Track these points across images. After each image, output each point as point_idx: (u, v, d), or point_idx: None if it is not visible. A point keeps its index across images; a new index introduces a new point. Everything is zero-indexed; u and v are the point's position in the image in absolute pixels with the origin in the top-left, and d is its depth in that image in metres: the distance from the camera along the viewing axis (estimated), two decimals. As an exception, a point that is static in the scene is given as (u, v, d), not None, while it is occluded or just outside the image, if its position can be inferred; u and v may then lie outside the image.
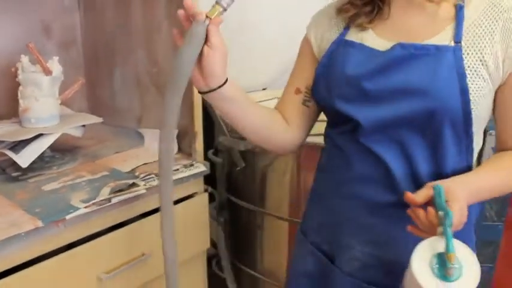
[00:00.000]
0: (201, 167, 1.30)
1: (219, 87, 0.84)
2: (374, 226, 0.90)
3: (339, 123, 0.91)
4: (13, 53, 1.34)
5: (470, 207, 0.79)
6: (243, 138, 1.43)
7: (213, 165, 1.62)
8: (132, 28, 1.44)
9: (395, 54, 0.82)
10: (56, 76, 1.28)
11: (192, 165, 1.30)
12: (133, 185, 1.16)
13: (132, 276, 1.17)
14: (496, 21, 0.80)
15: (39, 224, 0.98)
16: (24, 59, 1.26)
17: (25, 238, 0.96)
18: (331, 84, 0.89)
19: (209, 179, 1.53)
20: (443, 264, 0.69)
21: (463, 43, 0.80)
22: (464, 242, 0.74)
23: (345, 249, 0.95)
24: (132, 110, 1.52)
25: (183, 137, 1.36)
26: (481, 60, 0.79)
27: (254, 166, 1.46)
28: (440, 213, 0.71)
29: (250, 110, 0.93)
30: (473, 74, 0.79)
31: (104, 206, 1.08)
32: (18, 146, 1.17)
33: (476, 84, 0.79)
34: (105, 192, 1.11)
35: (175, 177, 1.23)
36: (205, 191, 1.36)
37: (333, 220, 0.96)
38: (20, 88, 1.26)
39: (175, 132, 1.37)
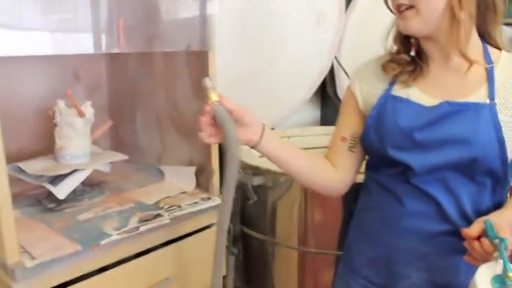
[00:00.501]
0: (218, 201, 1.43)
1: (254, 146, 1.04)
2: (429, 254, 1.04)
3: (389, 167, 1.06)
4: (48, 97, 1.49)
5: None
6: (255, 174, 1.57)
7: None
8: (154, 75, 1.60)
9: (443, 110, 0.99)
10: (88, 118, 1.43)
11: (209, 198, 1.43)
12: (158, 215, 1.28)
13: (156, 299, 1.29)
14: None
15: (78, 247, 1.11)
16: (61, 103, 1.41)
17: (67, 260, 1.09)
18: (383, 134, 1.04)
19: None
20: (503, 283, 0.81)
21: (496, 100, 0.97)
22: None
23: (401, 278, 1.07)
24: (152, 149, 1.67)
25: (201, 174, 1.49)
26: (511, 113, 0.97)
27: (265, 200, 1.59)
28: (496, 241, 0.85)
29: (292, 159, 1.10)
30: (506, 127, 0.96)
31: (133, 233, 1.20)
32: (55, 180, 1.31)
33: (509, 135, 0.96)
34: (133, 221, 1.24)
35: (195, 208, 1.36)
36: (221, 222, 1.49)
37: (386, 253, 1.08)
38: (57, 129, 1.41)
39: (194, 169, 1.51)
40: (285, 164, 1.10)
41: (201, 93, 1.42)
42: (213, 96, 1.00)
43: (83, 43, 1.19)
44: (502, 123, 0.96)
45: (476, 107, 0.97)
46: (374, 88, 1.09)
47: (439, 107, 0.99)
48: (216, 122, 0.99)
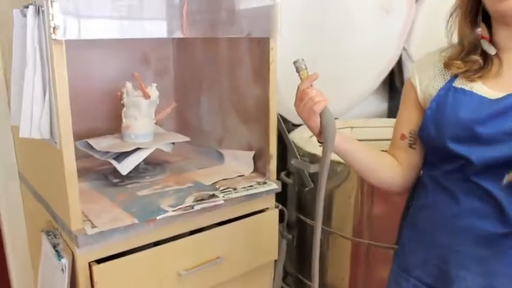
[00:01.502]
0: (273, 185, 1.45)
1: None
2: (485, 257, 0.97)
3: (447, 162, 1.01)
4: (118, 79, 1.57)
5: None
6: (312, 162, 1.57)
7: (285, 186, 1.77)
8: (218, 61, 1.64)
9: (508, 102, 0.93)
10: (153, 100, 1.50)
11: (265, 183, 1.45)
12: (213, 196, 1.32)
13: (207, 276, 1.33)
14: None
15: (135, 221, 1.17)
16: (129, 85, 1.48)
17: (123, 231, 1.15)
18: (443, 126, 0.99)
19: (282, 199, 1.68)
20: None
21: None
22: None
23: (455, 281, 1.01)
24: (214, 132, 1.71)
25: (259, 158, 1.52)
26: None
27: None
28: None
29: (359, 156, 1.12)
30: None
31: (187, 211, 1.25)
32: (120, 156, 1.38)
33: None
34: (189, 200, 1.28)
35: (250, 192, 1.39)
36: (276, 207, 1.51)
37: (441, 254, 1.03)
38: (124, 109, 1.49)
39: (252, 153, 1.54)
40: (351, 158, 1.12)
41: (262, 79, 1.46)
42: (303, 73, 1.08)
43: (148, 28, 1.24)
44: None
45: None
46: (434, 81, 1.05)
47: (503, 99, 0.94)
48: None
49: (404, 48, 2.20)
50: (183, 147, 1.70)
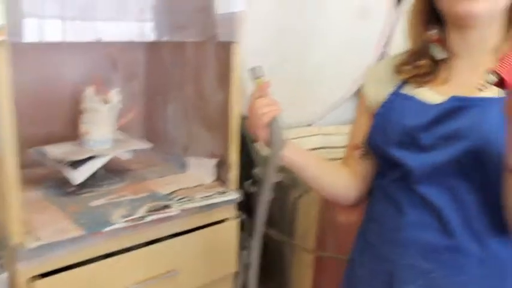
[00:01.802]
0: (233, 195, 1.41)
1: None
2: (430, 271, 0.95)
3: (390, 169, 0.99)
4: (84, 83, 1.53)
5: None
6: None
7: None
8: (185, 66, 1.61)
9: (449, 105, 0.91)
10: (114, 105, 1.46)
11: (225, 192, 1.41)
12: (167, 206, 1.29)
13: (160, 289, 1.29)
14: None
15: (82, 232, 1.13)
16: (90, 89, 1.44)
17: (70, 244, 1.11)
18: (387, 132, 0.98)
19: (247, 208, 1.64)
20: None
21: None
22: None
23: None
24: (180, 139, 1.67)
25: (221, 167, 1.48)
26: None
27: (285, 198, 1.55)
28: None
29: (311, 170, 1.10)
30: None
31: (139, 223, 1.21)
32: (75, 164, 1.34)
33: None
34: (141, 211, 1.24)
35: (207, 202, 1.35)
36: (238, 217, 1.47)
37: (387, 267, 1.01)
38: (83, 114, 1.45)
39: (215, 161, 1.50)
40: (303, 171, 1.10)
41: (225, 85, 1.42)
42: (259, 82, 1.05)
43: (103, 30, 1.20)
44: None
45: (483, 101, 0.88)
46: (384, 87, 1.03)
47: (445, 104, 0.92)
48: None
49: (384, 53, 2.16)
50: (147, 154, 1.66)
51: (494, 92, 0.88)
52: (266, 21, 1.80)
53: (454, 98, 0.91)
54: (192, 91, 1.59)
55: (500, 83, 0.65)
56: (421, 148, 0.92)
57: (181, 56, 1.61)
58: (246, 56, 1.55)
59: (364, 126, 1.06)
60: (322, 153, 1.96)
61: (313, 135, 2.03)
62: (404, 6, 2.11)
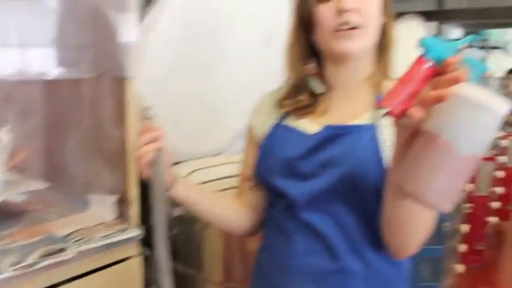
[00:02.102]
0: (134, 232, 1.38)
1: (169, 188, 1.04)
2: None
3: (277, 199, 1.02)
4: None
5: (401, 262, 0.98)
6: (176, 205, 1.52)
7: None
8: (82, 101, 1.57)
9: (324, 134, 0.96)
10: (4, 145, 1.39)
11: (126, 230, 1.38)
12: (63, 249, 1.23)
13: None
14: None
15: (-36, 286, 1.05)
16: (-23, 128, 1.37)
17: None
18: (270, 163, 1.02)
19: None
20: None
21: (379, 124, 0.93)
22: None
23: None
24: (80, 177, 1.62)
25: (121, 204, 1.45)
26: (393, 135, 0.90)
27: (190, 231, 1.55)
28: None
29: (202, 203, 1.11)
30: (387, 146, 0.92)
31: (30, 270, 1.15)
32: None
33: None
34: (34, 256, 1.18)
35: (107, 241, 1.31)
36: (141, 254, 1.43)
37: None
38: (-30, 156, 1.37)
39: (115, 198, 1.46)
40: (194, 203, 1.11)
41: (122, 121, 1.40)
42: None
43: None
44: (383, 143, 0.92)
45: (357, 128, 0.95)
46: (268, 119, 1.07)
47: (320, 133, 0.97)
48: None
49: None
50: (47, 194, 1.59)
51: (366, 119, 0.94)
52: (167, 50, 1.81)
53: (328, 127, 0.97)
54: (90, 127, 1.55)
55: (389, 114, 0.70)
56: (301, 177, 0.96)
57: (77, 92, 1.57)
58: (146, 87, 1.55)
59: (252, 158, 1.08)
60: (231, 182, 1.97)
61: (222, 164, 2.04)
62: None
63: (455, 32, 5.50)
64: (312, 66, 1.03)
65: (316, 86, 1.02)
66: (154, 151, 0.98)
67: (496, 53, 5.93)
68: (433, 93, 0.66)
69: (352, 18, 0.91)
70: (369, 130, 0.94)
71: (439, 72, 0.68)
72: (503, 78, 5.07)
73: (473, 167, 0.69)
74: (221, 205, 1.13)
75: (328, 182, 0.93)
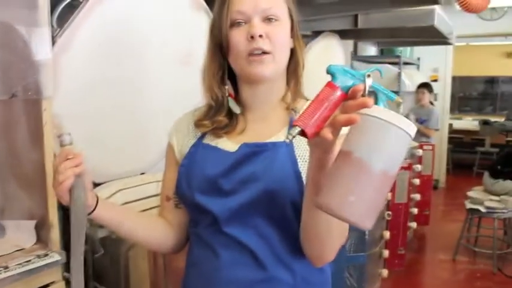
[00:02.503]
0: (56, 257, 1.33)
1: (89, 214, 1.00)
2: None
3: (200, 216, 1.03)
4: None
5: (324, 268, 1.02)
6: (101, 226, 1.49)
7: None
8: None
9: (242, 152, 0.99)
10: None
11: (46, 255, 1.33)
12: (-23, 279, 1.17)
13: None
14: None
15: None
16: None
17: None
18: (192, 181, 1.02)
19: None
20: None
21: (294, 140, 0.96)
22: None
23: None
24: (-5, 202, 1.54)
25: (41, 228, 1.39)
26: (307, 150, 0.93)
27: (115, 252, 1.51)
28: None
29: (126, 220, 1.09)
30: (303, 161, 0.97)
31: None
32: None
33: (306, 168, 0.93)
34: None
35: (26, 268, 1.26)
36: (64, 279, 1.39)
37: None
38: None
39: (34, 223, 1.41)
40: (117, 225, 1.08)
41: (38, 142, 1.36)
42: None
43: None
44: (298, 158, 0.97)
45: (273, 145, 0.99)
46: (188, 139, 1.08)
47: (238, 151, 1.00)
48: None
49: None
50: (-43, 221, 1.50)
51: (282, 137, 0.99)
52: (85, 69, 1.77)
53: (245, 145, 1.00)
54: (4, 150, 1.49)
55: (303, 133, 0.74)
56: (222, 193, 0.98)
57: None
58: (65, 107, 1.52)
59: (173, 177, 1.08)
60: (156, 201, 1.95)
61: (148, 183, 2.02)
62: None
63: (371, 48, 5.80)
64: (228, 87, 1.06)
65: (234, 106, 1.05)
66: (75, 177, 0.95)
67: (409, 69, 6.30)
68: (343, 116, 0.71)
69: (262, 45, 0.96)
70: (285, 147, 0.98)
71: (347, 97, 0.74)
72: (416, 92, 5.41)
73: (388, 183, 0.74)
74: (145, 225, 1.12)
75: (248, 197, 0.96)
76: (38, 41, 1.30)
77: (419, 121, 5.02)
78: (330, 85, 0.75)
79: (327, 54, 3.77)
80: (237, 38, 0.97)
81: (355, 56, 5.23)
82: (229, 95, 1.05)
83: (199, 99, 2.15)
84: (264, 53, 0.97)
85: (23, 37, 1.27)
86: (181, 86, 2.10)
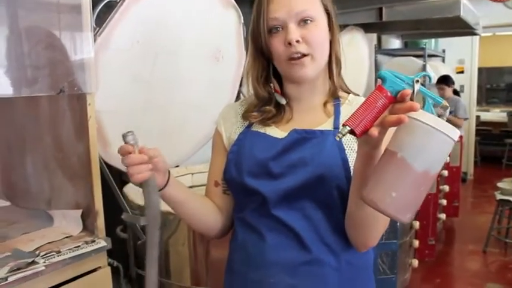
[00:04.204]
0: (102, 243, 1.41)
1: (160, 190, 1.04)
2: (295, 285, 1.04)
3: (248, 200, 1.08)
4: None
5: (367, 252, 1.06)
6: (143, 214, 1.56)
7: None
8: (40, 118, 1.59)
9: (291, 137, 1.05)
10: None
11: (93, 241, 1.40)
12: (33, 262, 1.25)
13: None
14: None
15: None
16: None
17: None
18: (241, 165, 1.07)
19: (121, 254, 1.64)
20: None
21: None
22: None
23: None
24: (42, 193, 1.63)
25: (87, 216, 1.47)
26: (355, 140, 1.01)
27: (156, 239, 1.58)
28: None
29: (190, 201, 1.13)
30: (349, 149, 1.03)
31: (1, 284, 1.16)
32: None
33: (352, 156, 1.02)
34: (3, 272, 1.20)
35: (75, 253, 1.33)
36: (110, 265, 1.46)
37: None
38: None
39: (80, 212, 1.49)
40: (180, 204, 1.12)
41: (83, 135, 1.43)
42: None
43: None
44: (346, 147, 1.03)
45: (322, 133, 1.04)
46: (236, 127, 1.14)
47: (288, 136, 1.05)
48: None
49: (240, 93, 2.31)
50: (8, 211, 1.60)
51: (328, 126, 1.05)
52: (123, 68, 1.85)
53: (294, 131, 1.06)
54: (50, 143, 1.57)
55: (352, 132, 0.81)
56: (272, 176, 1.03)
57: (35, 109, 1.59)
58: (105, 103, 1.59)
59: (221, 163, 1.14)
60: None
61: (182, 175, 2.09)
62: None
63: (395, 41, 5.79)
64: (273, 84, 1.12)
65: (280, 99, 1.11)
66: (149, 173, 0.98)
67: (434, 61, 6.26)
68: (393, 117, 0.78)
69: (300, 49, 1.02)
70: (332, 134, 1.04)
71: (396, 100, 0.80)
72: (437, 89, 5.35)
73: (429, 182, 0.79)
74: (202, 207, 1.16)
75: (297, 181, 1.01)
76: (81, 42, 1.37)
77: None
78: (379, 88, 0.81)
79: (351, 48, 3.79)
80: (276, 44, 1.04)
81: (379, 49, 5.23)
82: (275, 90, 1.11)
83: (229, 93, 2.24)
84: (304, 55, 1.02)
85: (69, 39, 1.35)
86: (212, 81, 2.18)
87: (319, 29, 1.05)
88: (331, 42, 1.09)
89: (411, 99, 0.79)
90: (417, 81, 0.80)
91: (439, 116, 0.78)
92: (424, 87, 0.81)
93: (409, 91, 0.79)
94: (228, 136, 1.15)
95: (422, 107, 0.79)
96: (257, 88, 1.12)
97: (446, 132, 0.77)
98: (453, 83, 5.44)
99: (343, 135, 0.81)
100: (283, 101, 1.11)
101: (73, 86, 1.37)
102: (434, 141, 0.77)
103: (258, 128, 1.11)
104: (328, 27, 1.07)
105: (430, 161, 0.78)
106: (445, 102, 0.80)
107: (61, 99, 1.49)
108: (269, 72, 1.11)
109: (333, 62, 1.11)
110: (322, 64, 1.07)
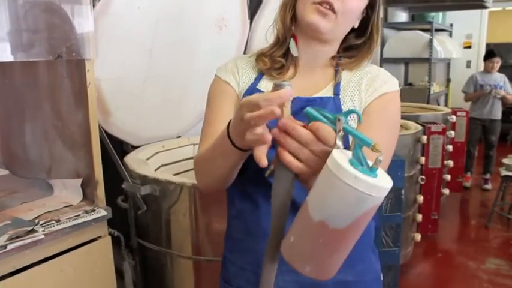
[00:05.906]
0: (102, 212, 1.39)
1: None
2: None
3: (249, 164, 1.04)
4: None
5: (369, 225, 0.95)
6: (143, 183, 1.54)
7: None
8: (39, 86, 1.55)
9: (295, 106, 1.00)
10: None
11: (93, 210, 1.39)
12: (32, 231, 1.23)
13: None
14: (362, 79, 1.04)
15: None
16: None
17: None
18: None
19: (122, 224, 1.63)
20: (360, 163, 0.64)
21: (340, 95, 1.02)
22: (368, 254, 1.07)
23: None
24: (42, 162, 1.61)
25: (87, 186, 1.45)
26: (353, 104, 1.01)
27: (157, 209, 1.56)
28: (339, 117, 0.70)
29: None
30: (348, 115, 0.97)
31: (0, 252, 1.15)
32: None
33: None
34: (2, 240, 1.18)
35: (75, 222, 1.32)
36: (110, 234, 1.45)
37: (254, 260, 1.05)
38: None
39: (80, 181, 1.47)
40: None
41: (82, 103, 1.40)
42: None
43: None
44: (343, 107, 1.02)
45: (321, 100, 1.02)
46: (246, 77, 1.09)
47: (293, 105, 1.01)
48: None
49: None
50: (8, 181, 1.58)
51: (329, 92, 1.01)
52: (127, 37, 1.80)
53: (297, 99, 1.01)
54: (50, 112, 1.54)
55: None
56: (273, 142, 0.99)
57: (33, 76, 1.56)
58: (105, 71, 1.55)
59: (229, 113, 1.05)
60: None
61: (184, 146, 2.06)
62: (262, 17, 2.25)
63: (402, 14, 5.68)
64: (294, 28, 1.07)
65: (293, 48, 1.07)
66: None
67: (441, 35, 6.16)
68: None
69: (333, 1, 0.97)
70: (331, 100, 1.02)
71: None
72: (489, 62, 4.99)
73: (331, 236, 0.68)
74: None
75: None
76: (80, 6, 1.33)
77: (498, 87, 4.88)
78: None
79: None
80: None
81: (386, 23, 5.13)
82: (293, 36, 1.07)
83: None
84: (332, 9, 0.98)
85: (67, 2, 1.31)
86: (215, 51, 2.13)
87: (359, 1, 1.02)
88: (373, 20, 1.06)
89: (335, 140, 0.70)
90: (339, 119, 0.69)
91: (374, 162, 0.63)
92: (354, 128, 0.68)
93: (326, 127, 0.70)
94: (241, 85, 1.09)
95: (352, 150, 0.65)
96: (282, 21, 1.07)
97: (350, 183, 0.61)
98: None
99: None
100: (295, 53, 1.07)
101: (71, 51, 1.33)
102: (334, 190, 0.64)
103: (263, 87, 1.06)
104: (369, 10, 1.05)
105: (328, 212, 0.66)
106: (376, 146, 0.63)
107: (59, 65, 1.45)
108: (294, 15, 1.06)
109: (370, 36, 1.07)
110: (340, 30, 1.04)
